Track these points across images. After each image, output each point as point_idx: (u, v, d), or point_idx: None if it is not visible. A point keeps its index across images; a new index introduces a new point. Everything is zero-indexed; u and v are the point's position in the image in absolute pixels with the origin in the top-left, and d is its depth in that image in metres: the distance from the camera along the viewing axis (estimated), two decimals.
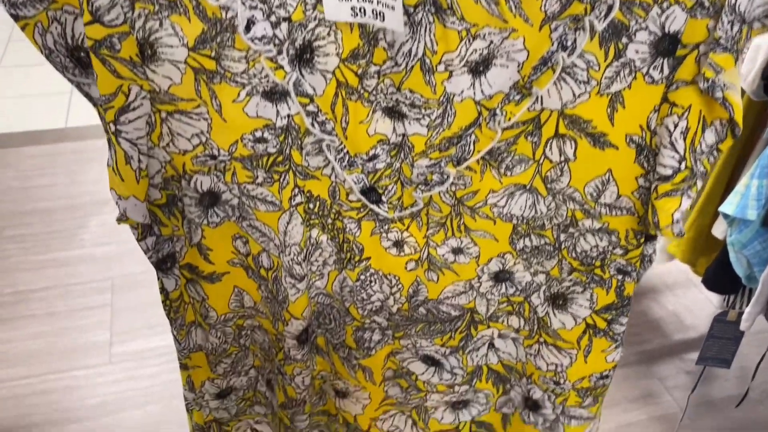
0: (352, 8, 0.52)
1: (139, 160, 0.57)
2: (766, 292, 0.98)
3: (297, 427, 0.75)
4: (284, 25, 0.53)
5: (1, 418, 1.37)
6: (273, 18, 0.53)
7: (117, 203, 0.58)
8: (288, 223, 0.62)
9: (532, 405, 0.75)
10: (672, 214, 0.57)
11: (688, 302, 1.70)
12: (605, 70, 0.53)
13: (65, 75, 0.55)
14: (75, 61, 0.54)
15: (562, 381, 0.71)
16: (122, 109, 0.54)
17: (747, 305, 1.07)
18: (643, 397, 1.46)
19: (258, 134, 0.57)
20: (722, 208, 0.95)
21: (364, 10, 0.52)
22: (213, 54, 0.53)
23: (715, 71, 0.51)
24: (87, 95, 0.57)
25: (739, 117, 0.53)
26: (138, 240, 0.63)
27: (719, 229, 1.07)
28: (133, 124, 0.55)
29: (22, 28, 0.51)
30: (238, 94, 0.55)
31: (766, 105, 1.06)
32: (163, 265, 0.65)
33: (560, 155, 0.58)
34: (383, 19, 0.52)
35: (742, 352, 1.54)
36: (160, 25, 0.52)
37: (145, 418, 1.39)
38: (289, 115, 0.57)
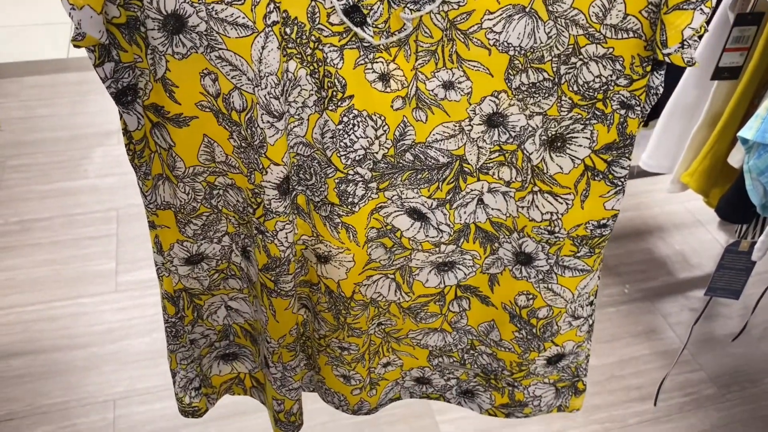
0: None
1: None
2: None
3: (282, 290, 0.72)
4: None
5: (9, 342, 1.38)
6: None
7: (70, 14, 0.53)
8: (263, 48, 0.56)
9: (524, 259, 0.72)
10: (682, 32, 0.53)
11: (695, 242, 1.70)
12: None
13: None
14: None
15: (557, 229, 0.68)
16: None
17: (760, 235, 1.07)
18: (646, 333, 1.47)
19: None
20: (741, 133, 0.93)
21: None
22: None
23: None
24: None
25: None
26: (95, 65, 0.58)
27: (736, 158, 1.06)
28: None
29: None
30: None
31: None
32: (123, 97, 0.61)
33: None
34: None
35: (746, 291, 1.55)
36: None
37: (150, 345, 1.40)
38: None
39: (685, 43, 0.53)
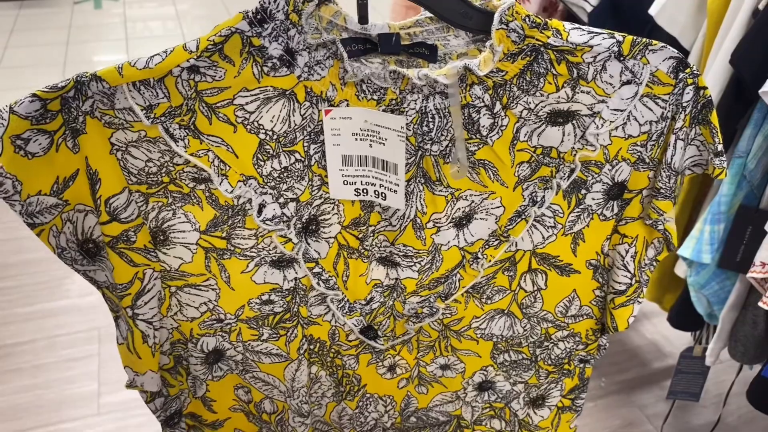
0: (356, 189, 0.60)
1: (154, 336, 0.60)
2: (727, 330, 1.01)
3: None
4: (292, 205, 0.59)
5: None
6: (282, 200, 0.58)
7: (134, 380, 0.61)
8: (296, 371, 0.67)
9: None
10: (627, 320, 0.68)
11: (666, 330, 1.73)
12: (568, 215, 0.63)
13: (74, 266, 0.56)
14: (83, 252, 0.56)
15: None
16: (138, 293, 0.58)
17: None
18: (623, 427, 1.48)
19: (265, 297, 0.62)
20: (680, 252, 0.98)
21: (367, 191, 0.60)
22: (224, 235, 0.58)
23: (659, 213, 0.62)
24: (91, 279, 0.59)
25: (675, 240, 0.64)
26: (147, 402, 0.64)
27: (681, 268, 1.11)
28: (149, 305, 0.59)
29: (38, 234, 0.53)
30: (247, 266, 0.60)
31: None
32: (170, 421, 0.68)
33: (533, 286, 0.67)
34: (385, 198, 0.60)
35: (719, 378, 1.58)
36: (173, 214, 0.56)
37: None
38: (296, 278, 0.62)
39: (630, 323, 0.68)
